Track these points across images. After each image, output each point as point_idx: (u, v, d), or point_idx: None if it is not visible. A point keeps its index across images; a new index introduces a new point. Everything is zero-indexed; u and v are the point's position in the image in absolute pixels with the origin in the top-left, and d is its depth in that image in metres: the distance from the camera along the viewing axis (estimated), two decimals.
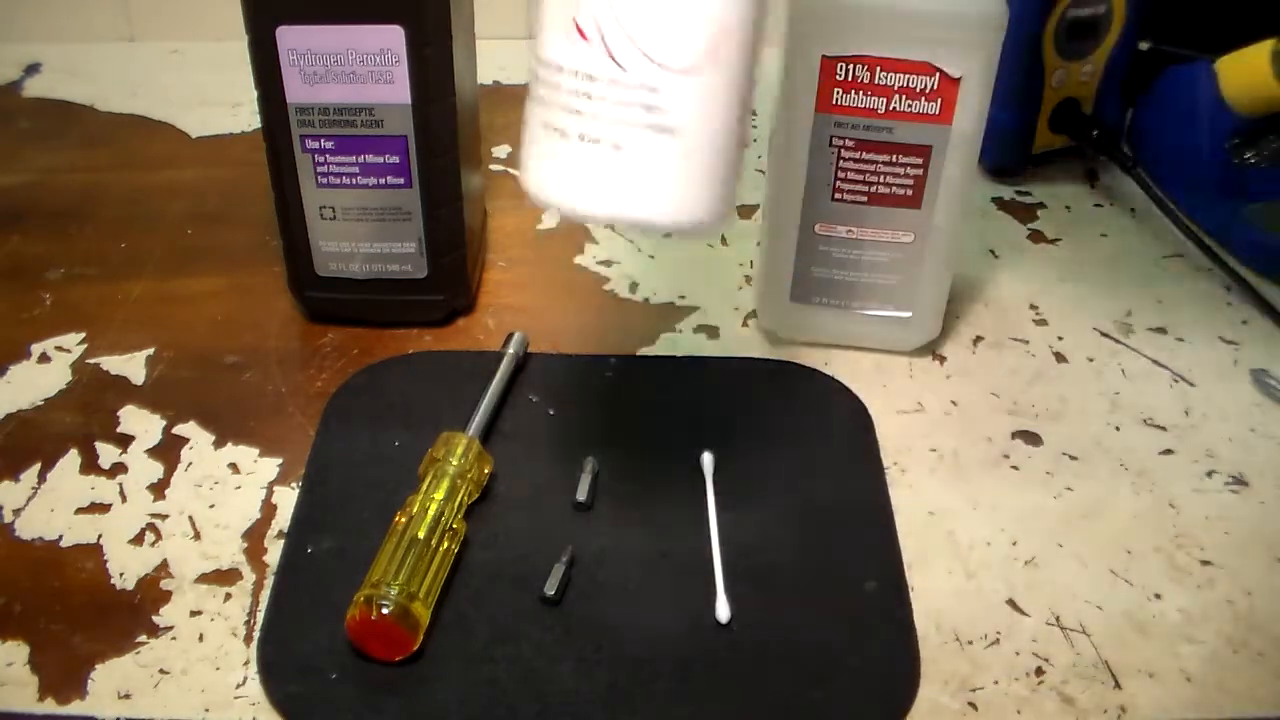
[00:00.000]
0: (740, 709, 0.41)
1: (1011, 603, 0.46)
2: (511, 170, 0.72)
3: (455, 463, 0.47)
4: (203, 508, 0.48)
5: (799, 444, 0.52)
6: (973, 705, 0.42)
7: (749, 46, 0.37)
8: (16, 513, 0.48)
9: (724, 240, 0.66)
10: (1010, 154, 0.72)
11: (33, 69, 0.82)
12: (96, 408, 0.53)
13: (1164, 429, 0.54)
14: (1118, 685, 0.43)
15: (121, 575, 0.45)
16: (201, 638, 0.43)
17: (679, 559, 0.46)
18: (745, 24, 0.36)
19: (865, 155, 0.51)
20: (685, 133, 0.36)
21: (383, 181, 0.53)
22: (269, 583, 0.45)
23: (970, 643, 0.44)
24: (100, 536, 0.47)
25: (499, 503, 0.48)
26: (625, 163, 0.36)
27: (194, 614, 0.44)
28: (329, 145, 0.52)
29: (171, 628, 0.43)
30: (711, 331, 0.59)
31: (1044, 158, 0.73)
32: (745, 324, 0.60)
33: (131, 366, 0.56)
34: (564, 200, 0.37)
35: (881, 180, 0.52)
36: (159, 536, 0.47)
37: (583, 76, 0.35)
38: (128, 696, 0.41)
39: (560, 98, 0.36)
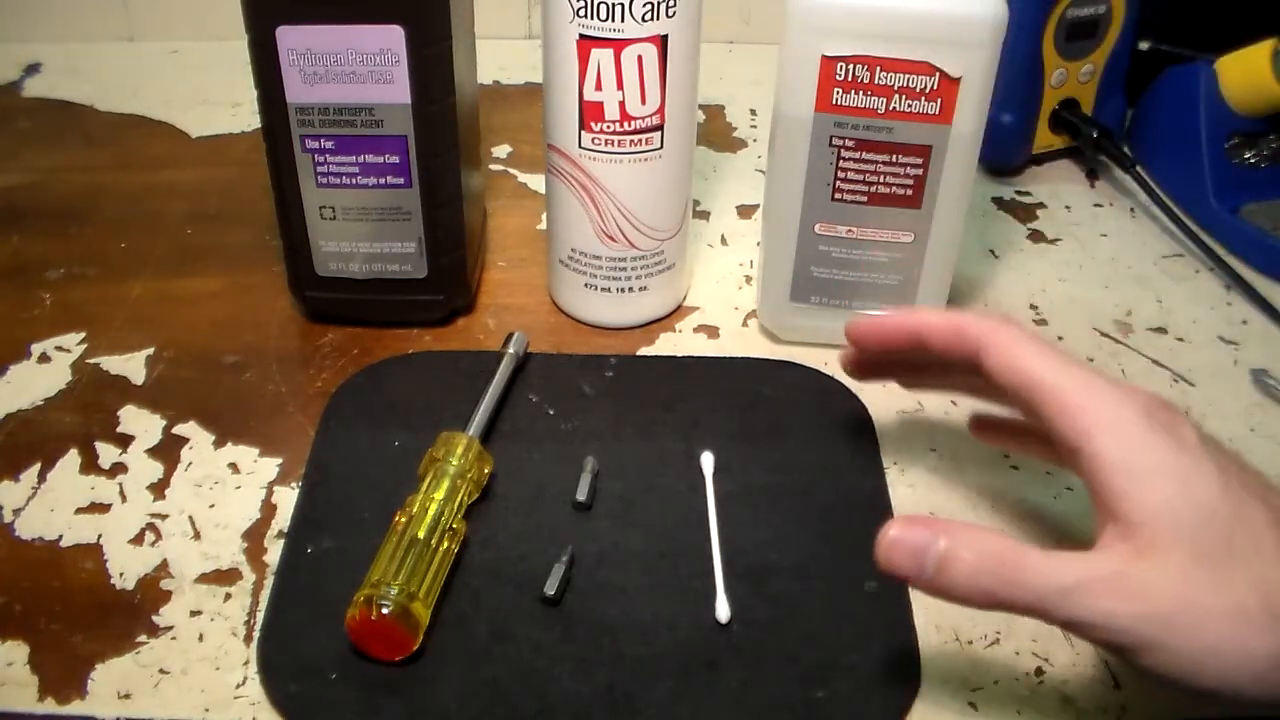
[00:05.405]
0: (740, 709, 0.41)
1: None
2: (511, 170, 0.72)
3: (455, 463, 0.47)
4: (203, 508, 0.48)
5: (799, 444, 0.52)
6: (973, 705, 0.42)
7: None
8: (16, 513, 0.48)
9: (724, 240, 0.66)
10: (1010, 154, 0.72)
11: (33, 69, 0.82)
12: (96, 408, 0.53)
13: None
14: (1118, 685, 0.43)
15: (121, 575, 0.45)
16: (201, 638, 0.43)
17: (679, 559, 0.46)
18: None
19: (865, 155, 0.51)
20: (677, 260, 0.58)
21: (383, 181, 0.53)
22: (269, 583, 0.45)
23: (970, 643, 0.44)
24: (100, 536, 0.47)
25: (499, 503, 0.48)
26: (651, 294, 0.58)
27: (194, 614, 0.44)
28: (329, 145, 0.52)
29: (171, 628, 0.43)
30: (711, 331, 0.59)
31: (1044, 158, 0.73)
32: (745, 324, 0.60)
33: (131, 366, 0.56)
34: (610, 323, 0.59)
35: (881, 180, 0.52)
36: (159, 536, 0.47)
37: (615, 259, 0.56)
38: (128, 696, 0.41)
39: (601, 270, 0.57)
